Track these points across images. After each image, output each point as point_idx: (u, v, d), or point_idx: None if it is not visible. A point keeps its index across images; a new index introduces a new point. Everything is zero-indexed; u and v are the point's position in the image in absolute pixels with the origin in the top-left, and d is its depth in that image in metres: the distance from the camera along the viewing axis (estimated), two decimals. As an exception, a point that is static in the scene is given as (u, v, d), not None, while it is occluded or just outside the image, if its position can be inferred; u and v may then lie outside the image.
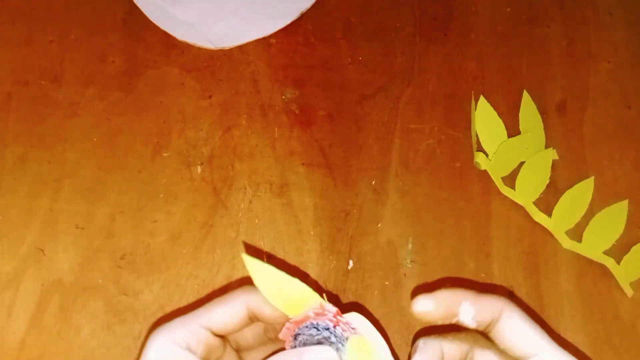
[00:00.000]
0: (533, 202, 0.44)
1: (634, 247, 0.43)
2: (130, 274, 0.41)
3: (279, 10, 0.50)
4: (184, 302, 0.40)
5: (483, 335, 0.30)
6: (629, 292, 0.42)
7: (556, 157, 0.46)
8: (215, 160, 0.45)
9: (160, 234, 0.42)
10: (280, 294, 0.28)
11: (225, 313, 0.28)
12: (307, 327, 0.29)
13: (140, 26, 0.49)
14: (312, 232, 0.43)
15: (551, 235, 0.44)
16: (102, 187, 0.43)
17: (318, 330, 0.28)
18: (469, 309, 0.28)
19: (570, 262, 0.43)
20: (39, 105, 0.46)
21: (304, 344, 0.29)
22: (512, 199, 0.44)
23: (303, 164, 0.45)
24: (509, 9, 0.51)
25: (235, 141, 0.46)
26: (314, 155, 0.45)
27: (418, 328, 0.40)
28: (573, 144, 0.47)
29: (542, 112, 0.47)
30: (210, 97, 0.47)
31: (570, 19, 0.51)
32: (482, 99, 0.46)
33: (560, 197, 0.44)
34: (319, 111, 0.47)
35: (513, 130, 0.46)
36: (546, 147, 0.46)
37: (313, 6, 0.50)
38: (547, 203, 0.44)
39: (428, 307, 0.28)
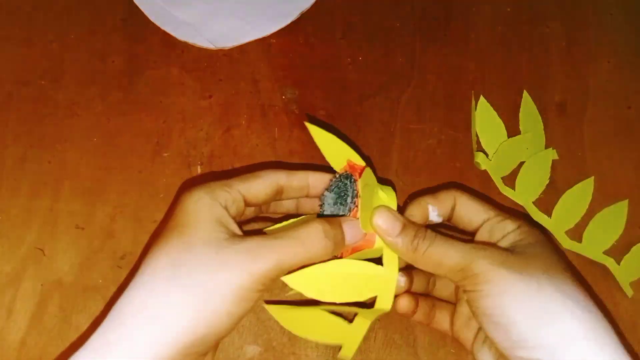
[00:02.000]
0: (533, 202, 0.44)
1: (634, 247, 0.43)
2: (131, 274, 0.41)
3: (279, 11, 0.50)
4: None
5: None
6: (629, 292, 0.42)
7: (556, 157, 0.46)
8: (215, 160, 0.45)
9: (160, 234, 0.42)
10: (332, 152, 0.35)
11: (259, 186, 0.33)
12: (336, 178, 0.35)
13: (140, 26, 0.49)
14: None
15: (551, 235, 0.44)
16: (102, 187, 0.43)
17: (341, 180, 0.34)
18: (432, 208, 0.34)
19: (570, 262, 0.43)
20: (39, 105, 0.46)
21: (326, 190, 0.35)
22: (512, 199, 0.44)
23: (303, 164, 0.45)
24: (509, 9, 0.51)
25: (235, 141, 0.46)
26: (314, 155, 0.45)
27: (418, 328, 0.40)
28: (573, 144, 0.47)
29: (542, 112, 0.47)
30: (210, 97, 0.47)
31: (570, 19, 0.51)
32: (482, 99, 0.46)
33: (560, 197, 0.44)
34: (319, 111, 0.47)
35: (513, 130, 0.46)
36: (546, 147, 0.46)
37: (313, 6, 0.50)
38: (547, 203, 0.44)
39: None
